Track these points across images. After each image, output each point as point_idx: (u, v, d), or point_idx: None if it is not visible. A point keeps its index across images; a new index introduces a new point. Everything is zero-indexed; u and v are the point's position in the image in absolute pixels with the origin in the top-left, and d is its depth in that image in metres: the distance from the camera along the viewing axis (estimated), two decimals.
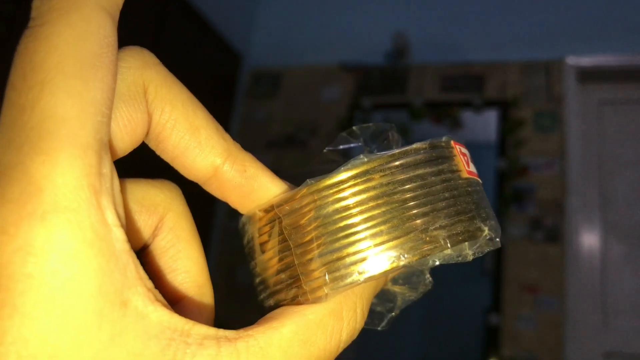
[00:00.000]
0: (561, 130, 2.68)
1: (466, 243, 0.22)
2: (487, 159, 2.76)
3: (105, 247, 0.16)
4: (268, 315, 0.20)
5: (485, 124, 2.84)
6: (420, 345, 3.21)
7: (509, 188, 2.66)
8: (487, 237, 0.22)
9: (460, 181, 0.22)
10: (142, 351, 0.16)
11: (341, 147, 0.27)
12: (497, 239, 0.23)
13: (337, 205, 0.21)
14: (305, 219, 0.21)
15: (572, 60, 2.75)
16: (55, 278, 0.15)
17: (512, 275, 2.57)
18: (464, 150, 0.24)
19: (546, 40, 2.78)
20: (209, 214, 2.76)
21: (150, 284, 0.18)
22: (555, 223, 2.57)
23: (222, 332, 0.18)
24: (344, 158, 0.26)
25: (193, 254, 0.23)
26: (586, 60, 2.75)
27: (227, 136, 0.23)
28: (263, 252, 0.23)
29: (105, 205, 0.17)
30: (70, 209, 0.16)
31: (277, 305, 0.22)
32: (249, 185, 0.23)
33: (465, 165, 0.23)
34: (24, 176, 0.16)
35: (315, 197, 0.21)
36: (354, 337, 0.21)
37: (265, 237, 0.23)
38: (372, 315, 0.24)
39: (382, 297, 0.25)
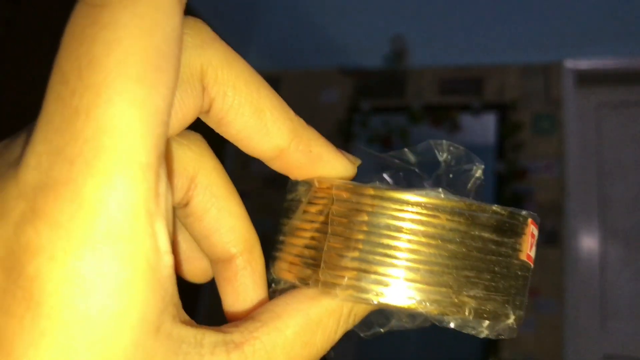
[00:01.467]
0: (560, 133, 2.68)
1: (487, 322, 0.21)
2: (485, 161, 2.74)
3: (153, 277, 0.16)
4: (270, 309, 0.20)
5: (484, 126, 2.84)
6: (420, 347, 3.21)
7: (507, 191, 2.66)
8: (509, 325, 0.22)
9: (515, 261, 0.22)
10: None
11: (421, 150, 0.26)
12: (516, 329, 0.22)
13: (392, 222, 0.20)
14: (357, 217, 0.21)
15: (570, 63, 2.75)
16: (100, 312, 0.15)
17: None
18: (536, 232, 0.23)
19: (544, 44, 2.78)
20: None
21: (177, 299, 0.17)
22: (554, 226, 2.57)
23: (229, 337, 0.18)
24: (411, 163, 0.25)
25: (234, 210, 0.22)
26: (584, 63, 2.76)
27: (292, 114, 0.22)
28: (301, 220, 0.22)
29: (159, 231, 0.16)
30: (124, 240, 0.15)
31: (284, 288, 0.22)
32: (314, 165, 0.22)
33: (528, 248, 0.22)
34: (75, 197, 0.14)
35: (376, 203, 0.20)
36: (340, 336, 0.21)
37: (310, 208, 0.22)
38: (364, 320, 0.24)
39: (380, 311, 0.24)
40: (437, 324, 0.23)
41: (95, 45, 0.15)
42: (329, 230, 0.21)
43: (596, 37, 2.70)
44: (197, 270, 0.24)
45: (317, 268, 0.21)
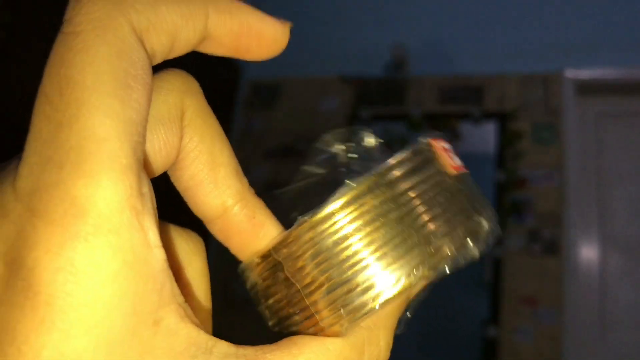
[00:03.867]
0: (560, 143, 2.68)
1: (470, 243, 0.22)
2: (485, 170, 2.77)
3: (144, 269, 0.17)
4: (287, 339, 0.20)
5: (484, 135, 2.85)
6: (418, 358, 3.20)
7: (507, 200, 2.66)
8: (487, 229, 0.22)
9: (449, 181, 0.22)
10: None
11: (319, 159, 0.26)
12: (494, 228, 0.23)
13: (335, 238, 0.21)
14: (306, 257, 0.21)
15: (570, 73, 2.76)
16: (94, 299, 0.16)
17: (511, 288, 2.57)
18: (445, 145, 0.23)
19: (545, 53, 2.79)
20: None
21: (181, 299, 0.18)
22: (554, 235, 2.57)
23: (242, 351, 0.18)
24: (323, 170, 0.26)
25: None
26: (584, 73, 2.76)
27: (244, 180, 0.23)
28: (270, 296, 0.23)
29: (147, 227, 0.17)
30: (113, 232, 0.16)
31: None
32: (254, 232, 0.23)
33: (450, 161, 0.23)
34: (66, 197, 0.16)
35: (311, 235, 0.21)
36: None
37: (269, 283, 0.23)
38: None
39: None
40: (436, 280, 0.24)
41: (72, 67, 0.17)
42: (298, 287, 0.21)
43: (596, 47, 2.71)
44: None
45: (315, 321, 0.21)
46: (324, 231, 0.21)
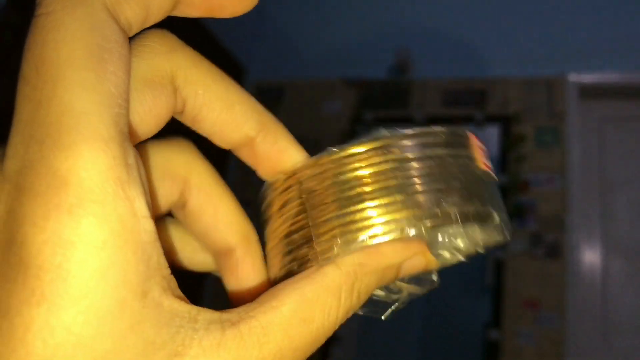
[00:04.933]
0: (562, 147, 2.68)
1: (477, 227, 0.22)
2: None
3: (131, 238, 0.17)
4: (267, 292, 0.20)
5: (487, 139, 2.85)
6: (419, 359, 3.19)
7: (510, 203, 2.65)
8: (498, 225, 0.23)
9: (477, 170, 0.23)
10: (155, 339, 0.17)
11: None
12: (508, 234, 0.23)
13: (355, 174, 0.22)
14: (325, 183, 0.22)
15: (573, 77, 2.76)
16: (82, 269, 0.16)
17: (513, 291, 2.57)
18: (481, 145, 0.24)
19: (548, 57, 2.79)
20: None
21: (167, 271, 0.18)
22: (556, 239, 2.57)
23: (226, 316, 0.19)
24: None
25: (229, 206, 0.25)
26: (588, 77, 2.76)
27: (262, 109, 0.24)
28: (280, 215, 0.24)
29: (134, 196, 0.17)
30: (97, 202, 0.16)
31: (285, 269, 0.23)
32: (279, 157, 0.24)
33: (482, 158, 0.24)
34: (48, 171, 0.16)
35: (335, 165, 0.22)
36: (348, 316, 0.22)
37: (284, 199, 0.23)
38: (376, 304, 0.25)
39: (388, 290, 0.25)
40: (431, 279, 0.25)
41: (45, 46, 0.17)
42: (307, 207, 0.22)
43: (600, 51, 2.71)
44: (197, 260, 0.26)
45: (311, 243, 0.22)
46: (346, 164, 0.22)
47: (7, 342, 0.16)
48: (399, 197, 0.21)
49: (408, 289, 0.25)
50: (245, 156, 0.24)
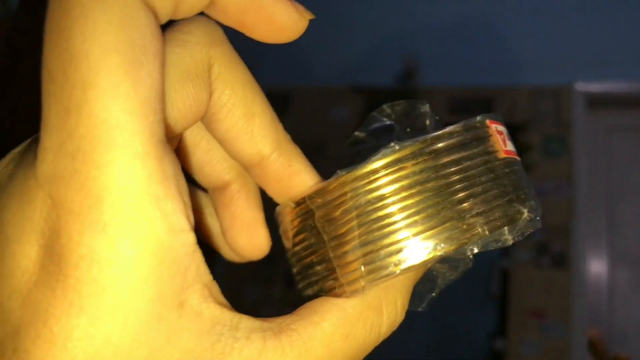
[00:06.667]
0: (569, 156, 2.67)
1: (505, 228, 0.21)
2: None
3: (167, 255, 0.17)
4: (307, 305, 0.20)
5: None
6: None
7: None
8: (527, 219, 0.22)
9: (497, 163, 0.22)
10: (194, 348, 0.17)
11: (372, 127, 0.26)
12: (538, 219, 0.22)
13: (370, 197, 0.21)
14: (339, 211, 0.21)
15: (580, 86, 2.75)
16: (116, 285, 0.16)
17: (518, 300, 2.55)
18: (501, 127, 0.23)
19: (555, 66, 2.78)
20: None
21: (207, 278, 0.18)
22: (562, 248, 2.56)
23: (267, 325, 0.18)
24: (374, 139, 0.25)
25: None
26: (595, 87, 2.75)
27: (280, 127, 0.23)
28: (297, 244, 0.23)
29: (171, 212, 0.17)
30: (131, 220, 0.16)
31: (316, 295, 0.22)
32: (291, 180, 0.23)
33: (502, 145, 0.22)
34: (82, 187, 0.16)
35: (347, 189, 0.21)
36: (394, 329, 0.21)
37: (298, 230, 0.23)
38: (412, 296, 0.24)
39: (421, 278, 0.24)
40: (465, 259, 0.24)
41: (73, 39, 0.16)
42: (325, 237, 0.21)
43: (607, 60, 2.70)
44: (248, 246, 0.25)
45: (335, 275, 0.21)
46: (359, 187, 0.21)
47: (47, 349, 0.16)
48: (419, 218, 0.20)
49: (442, 274, 0.25)
50: (256, 175, 0.23)
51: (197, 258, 0.18)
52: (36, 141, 0.17)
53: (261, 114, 0.22)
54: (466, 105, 2.91)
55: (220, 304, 0.18)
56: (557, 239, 2.57)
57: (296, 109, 3.16)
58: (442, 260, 0.24)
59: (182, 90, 0.19)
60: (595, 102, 2.76)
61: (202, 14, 0.20)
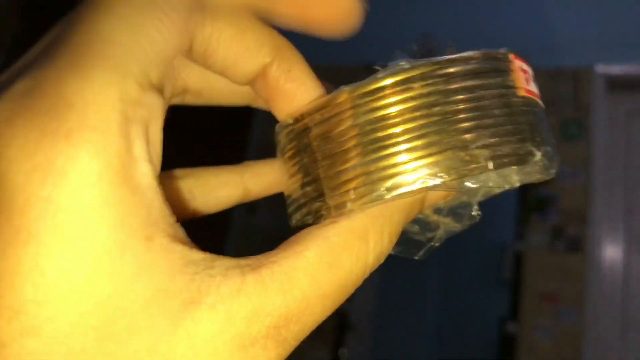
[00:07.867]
0: (587, 139, 2.64)
1: (513, 167, 0.19)
2: None
3: (130, 178, 0.15)
4: (290, 239, 0.19)
5: None
6: (435, 353, 3.19)
7: (531, 196, 2.62)
8: (540, 164, 0.20)
9: (515, 99, 0.20)
10: (168, 286, 0.15)
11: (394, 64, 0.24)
12: (553, 169, 0.20)
13: (371, 116, 0.19)
14: (336, 129, 0.19)
15: (601, 68, 2.71)
16: (74, 202, 0.14)
17: (532, 284, 2.54)
18: (526, 67, 0.21)
19: (575, 48, 2.74)
20: (225, 212, 2.75)
21: (172, 219, 0.16)
22: (578, 233, 2.54)
23: (244, 261, 0.17)
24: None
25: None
26: (615, 69, 2.71)
27: (275, 33, 0.21)
28: (293, 164, 0.21)
29: (135, 135, 0.15)
30: (98, 130, 0.15)
31: (303, 225, 0.20)
32: (291, 88, 0.21)
33: (524, 83, 0.20)
34: (55, 90, 0.15)
35: (348, 106, 0.19)
36: (381, 261, 0.20)
37: (293, 147, 0.21)
38: (410, 243, 0.22)
39: (423, 227, 0.23)
40: (474, 201, 0.22)
41: None
42: (318, 157, 0.20)
43: (628, 42, 2.65)
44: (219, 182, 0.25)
45: (324, 197, 0.20)
46: (361, 105, 0.19)
47: None
48: (419, 143, 0.18)
49: (446, 225, 0.23)
50: (259, 88, 0.21)
51: (160, 195, 0.16)
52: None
53: (251, 27, 0.20)
54: None
55: (190, 245, 0.16)
56: (573, 223, 2.55)
57: None
58: (447, 211, 0.23)
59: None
60: (616, 84, 2.72)
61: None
